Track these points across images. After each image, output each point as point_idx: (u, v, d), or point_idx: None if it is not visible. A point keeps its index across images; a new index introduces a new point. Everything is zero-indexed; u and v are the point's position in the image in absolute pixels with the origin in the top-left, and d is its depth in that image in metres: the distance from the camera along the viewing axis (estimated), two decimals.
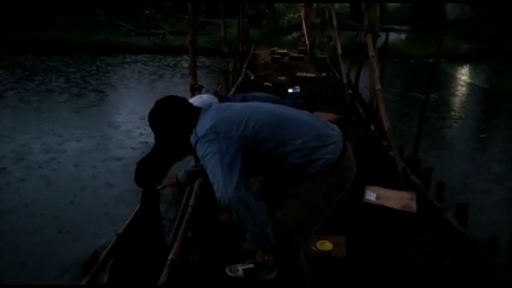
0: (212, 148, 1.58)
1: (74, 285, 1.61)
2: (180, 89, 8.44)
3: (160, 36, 15.62)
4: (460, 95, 10.03)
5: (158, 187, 2.33)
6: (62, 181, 4.86)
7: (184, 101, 1.79)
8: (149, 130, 1.81)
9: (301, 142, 1.65)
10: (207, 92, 3.67)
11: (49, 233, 3.74)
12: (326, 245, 2.43)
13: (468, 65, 13.25)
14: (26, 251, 3.46)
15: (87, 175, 5.00)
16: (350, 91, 6.16)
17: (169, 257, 2.30)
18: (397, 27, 16.96)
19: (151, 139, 2.35)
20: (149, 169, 2.27)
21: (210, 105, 1.76)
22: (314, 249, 2.42)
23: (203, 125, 1.64)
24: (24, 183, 4.75)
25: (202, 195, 3.03)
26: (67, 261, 3.12)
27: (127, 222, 2.58)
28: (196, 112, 1.73)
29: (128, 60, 13.46)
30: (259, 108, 1.76)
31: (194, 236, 2.67)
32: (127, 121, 7.10)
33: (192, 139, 1.67)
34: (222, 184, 1.53)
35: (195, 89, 4.43)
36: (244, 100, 2.33)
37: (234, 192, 1.51)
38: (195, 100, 2.21)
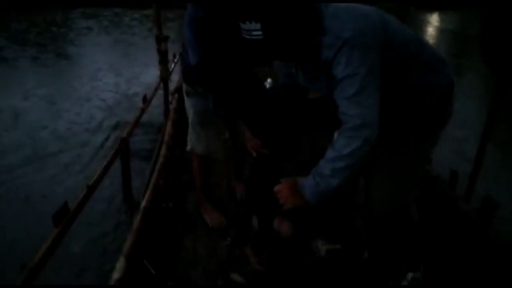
0: (363, 58, 1.21)
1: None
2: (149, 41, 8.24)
3: None
4: (432, 38, 10.23)
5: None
6: None
7: None
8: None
9: (428, 54, 1.40)
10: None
11: None
12: None
13: (436, 13, 13.31)
14: None
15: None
16: None
17: (142, 205, 2.30)
18: None
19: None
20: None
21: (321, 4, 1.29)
22: None
23: (344, 22, 1.22)
24: None
25: (173, 145, 3.01)
26: None
27: (97, 174, 2.54)
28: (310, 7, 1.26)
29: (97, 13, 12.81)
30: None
31: (165, 185, 2.67)
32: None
33: (328, 39, 1.23)
34: (368, 110, 1.23)
35: (161, 40, 4.33)
36: None
37: (376, 127, 1.25)
38: None
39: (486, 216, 2.03)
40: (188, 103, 2.20)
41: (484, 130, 2.44)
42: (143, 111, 3.83)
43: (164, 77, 4.51)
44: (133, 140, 4.45)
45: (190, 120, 2.23)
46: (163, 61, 4.42)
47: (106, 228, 2.98)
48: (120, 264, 1.79)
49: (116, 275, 1.72)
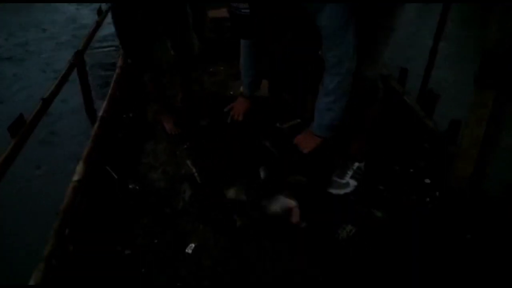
0: (344, 12, 1.37)
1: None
2: None
3: None
4: None
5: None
6: None
7: None
8: None
9: None
10: None
11: None
12: None
13: None
14: None
15: None
16: None
17: (99, 115, 2.34)
18: None
19: None
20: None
21: None
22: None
23: None
24: None
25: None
26: None
27: (51, 88, 2.52)
28: None
29: None
30: None
31: (124, 96, 2.67)
32: None
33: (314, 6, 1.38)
34: (343, 49, 1.43)
35: None
36: None
37: (352, 61, 1.46)
38: None
39: (428, 107, 2.16)
40: (112, 13, 1.93)
41: (438, 25, 2.47)
42: (98, 24, 3.66)
43: None
44: (98, 52, 4.35)
45: (117, 33, 1.97)
46: None
47: (69, 139, 3.03)
48: (79, 167, 1.88)
49: (75, 177, 1.82)
